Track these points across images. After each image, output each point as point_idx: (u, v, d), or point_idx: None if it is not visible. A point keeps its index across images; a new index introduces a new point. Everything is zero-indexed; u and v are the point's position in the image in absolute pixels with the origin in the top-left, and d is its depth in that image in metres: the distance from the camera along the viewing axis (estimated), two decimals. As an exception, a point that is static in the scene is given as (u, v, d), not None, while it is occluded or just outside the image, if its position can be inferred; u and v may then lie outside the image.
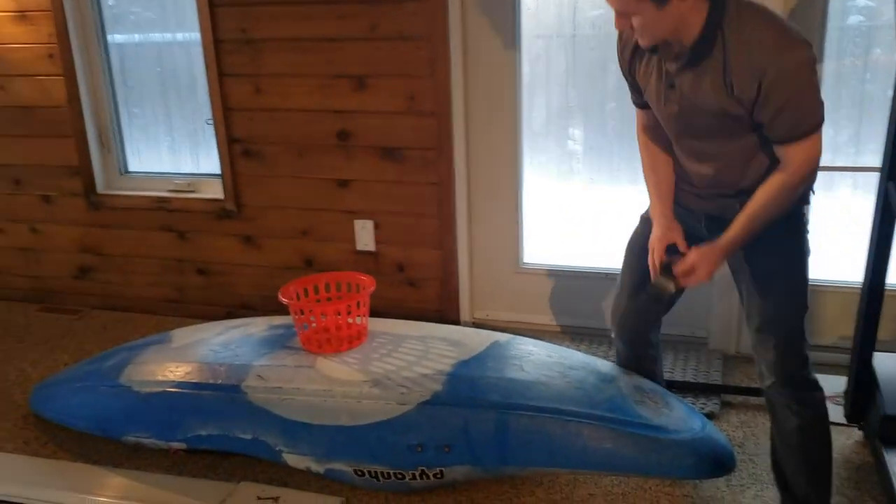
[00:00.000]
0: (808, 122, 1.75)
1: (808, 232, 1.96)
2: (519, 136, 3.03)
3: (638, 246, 2.17)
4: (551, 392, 2.18)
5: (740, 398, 2.72)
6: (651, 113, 2.02)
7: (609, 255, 3.08)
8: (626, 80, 2.04)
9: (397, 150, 3.08)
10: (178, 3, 3.27)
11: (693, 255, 1.93)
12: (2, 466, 2.49)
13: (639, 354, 2.34)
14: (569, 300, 3.17)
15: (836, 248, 2.82)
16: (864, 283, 2.31)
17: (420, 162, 3.07)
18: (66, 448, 2.58)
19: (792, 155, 1.79)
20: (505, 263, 3.21)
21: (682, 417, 2.18)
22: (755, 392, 2.71)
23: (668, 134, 2.01)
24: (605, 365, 2.37)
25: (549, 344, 2.54)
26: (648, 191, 2.12)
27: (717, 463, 2.12)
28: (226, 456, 2.45)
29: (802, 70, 1.70)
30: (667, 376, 2.81)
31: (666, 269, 2.00)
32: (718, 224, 1.95)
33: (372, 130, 3.08)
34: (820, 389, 1.97)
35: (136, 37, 3.42)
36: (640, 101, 2.04)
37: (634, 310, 2.22)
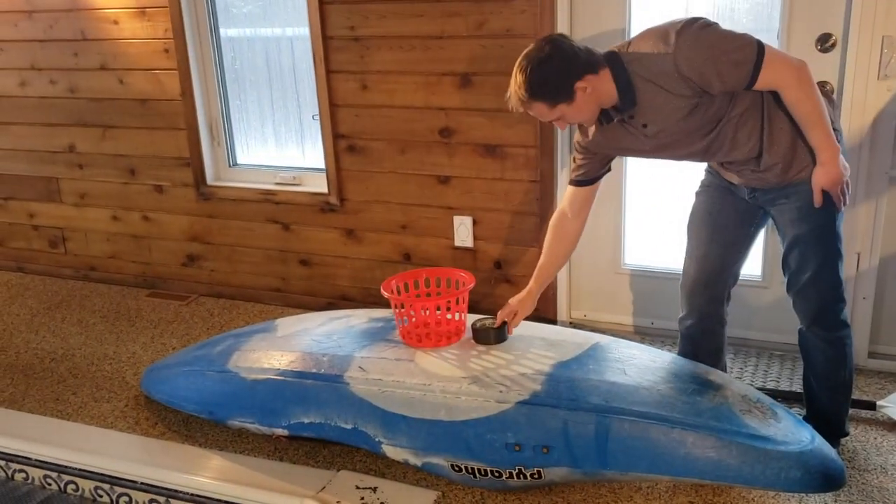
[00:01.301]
0: (746, 52, 1.97)
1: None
2: (623, 136, 2.98)
3: (699, 217, 2.39)
4: (654, 397, 2.14)
5: (850, 411, 2.61)
6: (589, 189, 2.35)
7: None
8: (586, 159, 2.30)
9: (499, 148, 3.08)
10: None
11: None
12: (113, 444, 2.61)
13: (706, 330, 2.44)
14: (670, 303, 3.10)
15: None
16: None
17: (521, 160, 3.06)
18: (174, 429, 2.68)
19: (770, 78, 1.98)
20: (605, 264, 3.17)
21: (791, 429, 2.11)
22: (866, 405, 2.60)
23: (671, 159, 2.26)
24: (710, 372, 2.32)
25: (651, 348, 2.49)
26: (542, 258, 2.46)
27: (826, 477, 2.03)
28: (326, 444, 2.51)
29: (693, 37, 1.96)
30: (772, 385, 2.73)
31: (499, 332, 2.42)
32: (760, 193, 2.22)
33: (474, 128, 3.09)
34: (848, 327, 2.25)
35: (247, 31, 3.52)
36: (590, 176, 2.33)
37: (706, 280, 2.38)
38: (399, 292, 2.57)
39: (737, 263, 2.39)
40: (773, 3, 2.67)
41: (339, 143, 3.32)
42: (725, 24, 2.71)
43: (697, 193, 2.41)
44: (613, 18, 2.86)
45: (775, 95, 2.06)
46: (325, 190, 3.43)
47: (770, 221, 2.33)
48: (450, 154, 3.16)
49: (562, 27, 2.86)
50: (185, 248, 3.81)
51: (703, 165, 2.38)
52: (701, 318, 2.42)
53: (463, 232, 3.25)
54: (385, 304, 2.55)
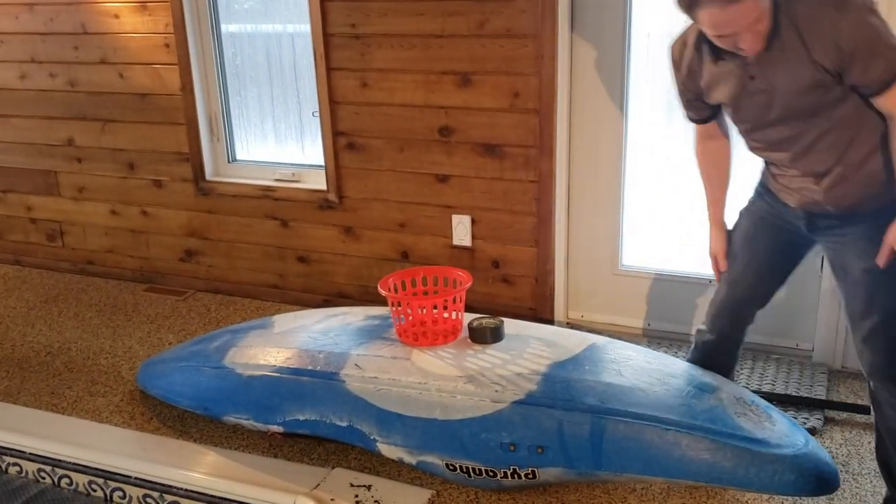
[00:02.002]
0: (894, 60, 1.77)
1: None
2: (623, 135, 2.99)
3: (741, 239, 2.23)
4: (650, 399, 2.14)
5: (845, 414, 2.62)
6: (710, 126, 2.16)
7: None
8: (685, 96, 2.12)
9: (498, 147, 3.08)
10: (290, -4, 3.35)
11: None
12: (108, 439, 2.60)
13: (723, 349, 2.36)
14: (667, 305, 3.11)
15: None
16: None
17: (521, 159, 3.06)
18: (169, 425, 2.68)
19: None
20: (603, 264, 3.17)
21: (785, 432, 2.11)
22: (860, 409, 2.61)
23: (742, 129, 2.04)
24: (705, 374, 2.32)
25: (647, 349, 2.50)
26: (707, 197, 2.29)
27: (820, 481, 2.04)
28: (321, 442, 2.51)
29: (865, 15, 1.74)
30: (768, 388, 2.73)
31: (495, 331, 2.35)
32: (818, 220, 2.01)
33: (474, 127, 3.09)
34: None
35: (247, 27, 3.52)
36: (703, 115, 2.15)
37: (737, 304, 2.27)
38: (396, 290, 2.57)
39: (769, 294, 2.25)
40: None
41: (339, 140, 3.32)
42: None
43: (742, 213, 2.25)
44: (614, 17, 2.86)
45: (871, 121, 1.87)
46: (324, 187, 3.42)
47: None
48: (449, 153, 3.16)
49: (562, 26, 2.86)
50: (183, 244, 3.81)
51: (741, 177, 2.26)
52: (720, 338, 2.33)
53: (461, 231, 3.25)
54: (382, 302, 2.55)
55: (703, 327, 2.38)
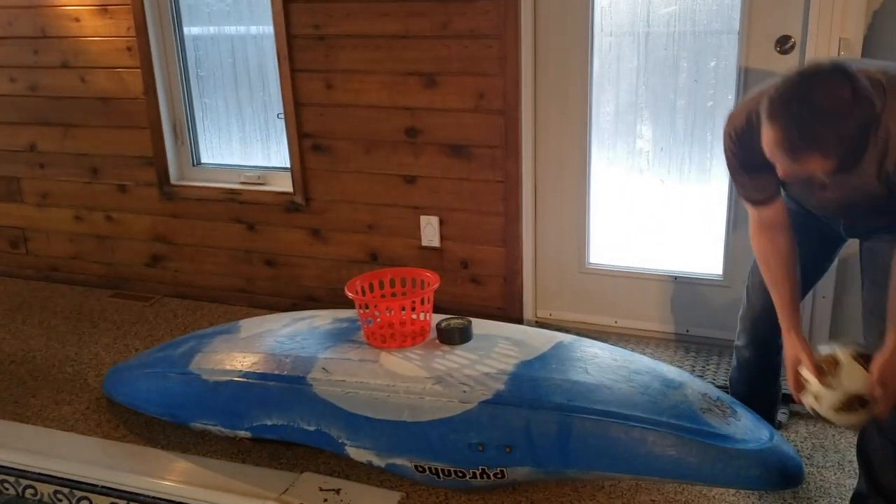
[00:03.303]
0: None
1: None
2: (588, 135, 3.00)
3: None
4: (616, 396, 2.16)
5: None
6: (772, 210, 1.93)
7: (677, 258, 3.05)
8: (748, 171, 1.91)
9: (465, 148, 3.08)
10: (253, -2, 3.33)
11: (876, 366, 1.73)
12: (73, 447, 2.57)
13: (765, 362, 2.32)
14: (635, 302, 3.13)
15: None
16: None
17: (487, 159, 3.06)
18: (136, 432, 2.65)
19: None
20: (570, 263, 3.19)
21: (750, 427, 2.14)
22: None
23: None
24: (671, 370, 2.34)
25: (613, 347, 2.51)
26: (776, 299, 1.99)
27: (785, 475, 2.06)
28: (289, 446, 2.49)
29: None
30: (734, 383, 2.76)
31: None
32: (858, 224, 1.92)
33: (440, 128, 3.09)
34: None
35: (211, 29, 3.49)
36: (765, 195, 1.93)
37: (771, 315, 2.07)
38: (364, 293, 2.56)
39: (803, 294, 2.13)
40: (732, 5, 2.69)
41: (305, 142, 3.31)
42: (686, 26, 2.77)
43: None
44: (577, 17, 2.88)
45: None
46: (290, 189, 3.41)
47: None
48: (416, 154, 3.16)
49: (525, 27, 2.87)
50: (148, 249, 3.77)
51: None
52: (759, 348, 2.30)
53: (430, 232, 3.25)
54: (351, 304, 2.54)
55: (739, 343, 2.32)
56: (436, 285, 2.51)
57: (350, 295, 2.47)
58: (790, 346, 1.95)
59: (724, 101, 2.80)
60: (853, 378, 1.79)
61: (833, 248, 2.16)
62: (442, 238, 3.25)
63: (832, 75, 1.58)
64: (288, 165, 3.38)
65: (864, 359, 1.79)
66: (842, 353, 1.81)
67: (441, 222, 3.22)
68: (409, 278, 2.63)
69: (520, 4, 2.84)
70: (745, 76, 2.72)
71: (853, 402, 1.79)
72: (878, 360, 1.75)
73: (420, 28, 2.97)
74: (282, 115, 3.31)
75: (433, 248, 3.27)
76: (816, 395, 1.84)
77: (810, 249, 2.07)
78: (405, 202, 3.25)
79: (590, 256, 3.16)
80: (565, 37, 2.91)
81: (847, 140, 1.57)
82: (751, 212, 1.99)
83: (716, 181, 2.92)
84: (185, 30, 3.49)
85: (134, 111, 3.54)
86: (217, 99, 3.57)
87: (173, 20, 3.46)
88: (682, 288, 3.05)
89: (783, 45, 2.65)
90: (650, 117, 2.96)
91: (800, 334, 1.94)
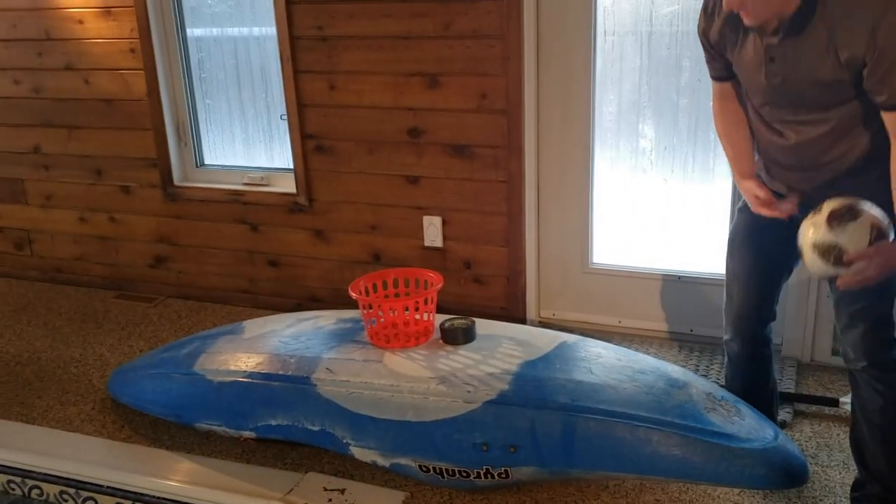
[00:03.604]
0: None
1: None
2: (591, 134, 3.01)
3: (741, 237, 2.21)
4: (620, 396, 2.16)
5: (814, 408, 2.66)
6: (728, 86, 2.08)
7: (680, 257, 3.05)
8: (709, 52, 2.06)
9: (467, 148, 3.08)
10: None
11: (872, 249, 1.76)
12: (79, 448, 2.58)
13: (754, 354, 2.32)
14: (638, 302, 3.13)
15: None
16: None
17: (490, 159, 3.06)
18: (141, 432, 2.66)
19: None
20: (573, 262, 3.19)
21: (754, 426, 2.14)
22: (829, 402, 2.64)
23: (753, 103, 2.01)
24: (675, 370, 2.34)
25: (617, 346, 2.51)
26: (728, 156, 2.17)
27: (790, 474, 2.06)
28: (294, 446, 2.50)
29: None
30: (737, 383, 2.76)
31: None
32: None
33: (443, 128, 3.09)
34: None
35: (214, 31, 3.50)
36: (720, 75, 2.08)
37: (752, 305, 2.23)
38: (367, 293, 2.56)
39: (781, 284, 2.25)
40: (736, 5, 2.69)
41: (308, 143, 3.31)
42: (689, 25, 2.76)
43: (740, 210, 2.23)
44: (580, 17, 2.88)
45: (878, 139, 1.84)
46: (293, 190, 3.41)
47: None
48: (419, 154, 3.16)
49: (528, 27, 2.87)
50: (152, 250, 3.78)
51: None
52: (746, 342, 2.30)
53: (432, 232, 3.25)
54: (355, 305, 2.55)
55: (727, 336, 2.34)
56: (439, 285, 2.52)
57: (353, 295, 2.48)
58: (746, 190, 2.10)
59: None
60: (855, 236, 1.78)
61: (795, 242, 2.08)
62: (445, 238, 3.25)
63: None
64: (291, 166, 3.39)
65: (876, 232, 1.79)
66: (866, 214, 1.80)
67: (444, 222, 3.23)
68: (413, 278, 2.63)
69: (522, 4, 2.84)
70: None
71: (833, 253, 1.79)
72: (873, 252, 1.75)
73: (422, 29, 2.98)
74: (285, 117, 3.31)
75: (436, 249, 3.27)
76: (815, 224, 1.83)
77: (778, 244, 2.11)
78: (408, 202, 3.25)
79: (593, 256, 3.17)
80: (568, 36, 2.91)
81: None
82: (713, 87, 2.15)
83: (719, 180, 2.93)
84: (188, 31, 3.50)
85: (137, 113, 3.55)
86: (220, 100, 3.58)
87: (176, 22, 3.46)
88: (686, 287, 3.05)
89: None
90: (653, 116, 2.96)
91: (755, 179, 2.10)
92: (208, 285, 3.73)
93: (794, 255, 2.08)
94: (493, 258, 3.20)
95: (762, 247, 2.18)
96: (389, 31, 3.03)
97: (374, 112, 3.17)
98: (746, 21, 1.80)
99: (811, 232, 1.83)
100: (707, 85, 2.78)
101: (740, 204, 2.23)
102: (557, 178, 3.09)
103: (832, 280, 1.98)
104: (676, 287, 3.05)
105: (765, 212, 2.06)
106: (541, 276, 3.24)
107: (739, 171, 2.14)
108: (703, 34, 2.04)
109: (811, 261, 1.85)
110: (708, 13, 2.00)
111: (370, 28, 3.05)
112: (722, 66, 2.06)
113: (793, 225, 2.02)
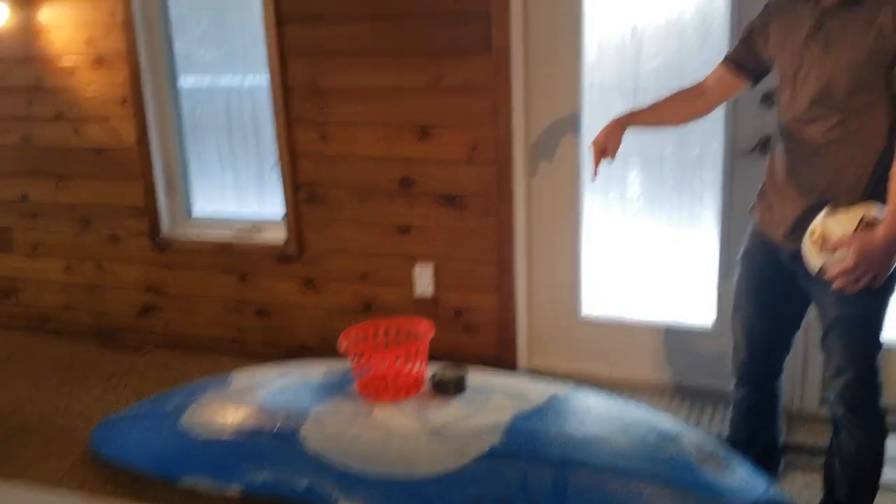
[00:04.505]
0: None
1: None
2: (579, 183, 3.03)
3: (745, 288, 2.21)
4: (612, 448, 2.14)
5: (805, 459, 2.64)
6: (723, 76, 2.17)
7: (670, 307, 3.05)
8: (743, 46, 2.13)
9: (459, 197, 3.10)
10: (247, 47, 3.36)
11: (851, 237, 1.80)
12: (62, 504, 2.54)
13: (760, 404, 2.32)
14: (628, 352, 3.13)
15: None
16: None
17: (480, 209, 3.08)
18: (125, 487, 2.61)
19: None
20: (564, 312, 3.18)
21: (746, 478, 2.13)
22: (821, 452, 2.62)
23: (784, 84, 1.99)
24: (666, 421, 2.33)
25: (609, 397, 2.50)
26: (643, 106, 2.24)
27: (783, 528, 2.05)
28: (282, 503, 2.46)
29: None
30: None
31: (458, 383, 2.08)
32: (802, 260, 1.94)
33: (434, 178, 3.11)
34: (884, 419, 2.04)
35: (206, 80, 3.52)
36: (737, 58, 2.14)
37: (758, 357, 2.25)
38: (358, 343, 2.55)
39: (790, 336, 2.25)
40: (717, 60, 2.72)
41: (299, 192, 3.32)
42: (673, 80, 2.80)
43: (740, 260, 2.24)
44: (567, 70, 2.92)
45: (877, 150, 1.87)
46: (283, 239, 3.41)
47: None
48: (410, 204, 3.18)
49: (517, 80, 2.91)
50: (140, 299, 3.76)
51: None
52: (754, 390, 2.31)
53: (423, 281, 3.25)
54: (344, 355, 2.53)
55: (733, 382, 2.34)
56: (430, 336, 2.51)
57: (343, 346, 2.46)
58: (610, 131, 2.23)
59: (711, 150, 2.83)
60: (844, 221, 1.83)
61: (800, 292, 2.12)
62: (436, 287, 3.25)
63: None
64: (282, 215, 3.39)
65: (864, 223, 1.82)
66: (861, 205, 1.85)
67: (435, 271, 3.23)
68: (405, 328, 2.62)
69: (510, 60, 2.88)
70: (734, 125, 2.76)
71: (815, 241, 1.85)
72: (852, 240, 1.79)
73: (414, 82, 3.01)
74: (276, 166, 3.32)
75: (427, 298, 3.27)
76: (826, 213, 1.87)
77: (781, 294, 2.14)
78: (399, 251, 3.26)
79: (583, 305, 3.16)
80: (556, 90, 2.95)
81: None
82: (716, 69, 2.21)
83: (706, 229, 2.94)
84: (182, 80, 3.52)
85: (126, 161, 3.56)
86: (211, 149, 3.59)
87: (168, 71, 3.49)
88: (676, 337, 3.05)
89: (767, 100, 2.68)
90: (640, 164, 2.98)
91: (623, 129, 2.22)
92: (196, 335, 3.70)
93: (800, 301, 2.12)
94: (484, 306, 3.20)
95: (767, 298, 2.18)
96: (382, 84, 3.06)
97: (365, 162, 3.19)
98: None
99: (818, 223, 1.88)
100: (690, 132, 2.83)
101: (740, 254, 2.23)
102: (547, 227, 3.11)
103: (824, 327, 2.01)
104: (666, 337, 3.05)
105: (594, 150, 2.22)
106: (532, 325, 3.24)
107: (632, 116, 2.23)
108: (752, 30, 2.10)
109: (805, 247, 1.90)
110: (766, 10, 2.08)
111: (363, 80, 3.08)
112: (749, 59, 2.12)
113: (796, 273, 2.04)
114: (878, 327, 2.00)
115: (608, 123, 2.23)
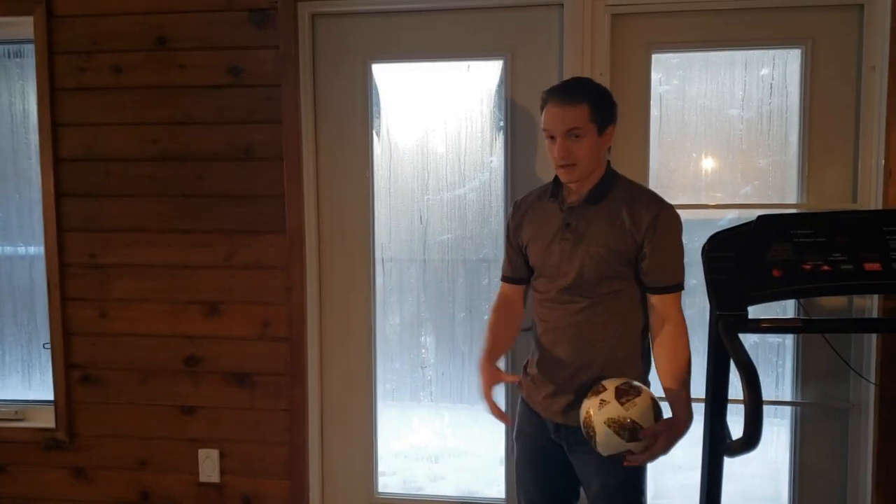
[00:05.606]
0: (680, 274, 2.09)
1: None
2: (373, 361, 3.04)
3: (522, 463, 2.30)
4: None
5: None
6: (515, 290, 2.32)
7: (463, 482, 3.05)
8: (511, 249, 2.32)
9: (248, 376, 3.00)
10: (24, 218, 3.18)
11: (661, 425, 1.98)
12: None
13: None
14: (424, 531, 3.06)
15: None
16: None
17: (272, 388, 2.99)
18: None
19: (672, 306, 2.06)
20: (358, 493, 3.09)
21: None
22: None
23: (545, 290, 2.18)
24: None
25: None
26: (486, 342, 2.26)
27: None
28: None
29: (678, 223, 2.09)
30: None
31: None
32: (565, 431, 2.13)
33: (223, 356, 3.00)
34: None
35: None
36: (516, 276, 2.32)
37: None
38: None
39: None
40: (499, 234, 2.92)
41: (73, 372, 3.08)
42: (458, 255, 2.93)
43: (516, 438, 2.34)
44: (361, 247, 2.99)
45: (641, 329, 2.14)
46: (52, 425, 3.11)
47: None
48: (196, 383, 3.03)
49: (311, 258, 2.94)
50: None
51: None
52: None
53: (209, 466, 3.06)
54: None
55: None
56: (215, 529, 2.34)
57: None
58: (485, 374, 2.17)
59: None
60: (644, 411, 1.93)
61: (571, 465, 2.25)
62: (222, 472, 3.06)
63: None
64: (51, 398, 3.11)
65: (655, 406, 1.97)
66: (643, 389, 1.98)
67: (221, 455, 3.05)
68: (186, 522, 2.43)
69: (305, 238, 2.92)
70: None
71: (626, 429, 1.92)
72: (663, 428, 1.98)
73: (204, 259, 2.96)
74: (48, 345, 3.08)
75: (213, 484, 3.07)
76: (604, 401, 1.94)
77: (556, 468, 2.25)
78: (182, 435, 3.06)
79: (378, 485, 3.10)
80: (348, 265, 3.00)
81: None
82: (502, 288, 2.37)
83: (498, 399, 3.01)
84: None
85: None
86: (-26, 325, 3.29)
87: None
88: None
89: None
90: (433, 329, 3.05)
91: (494, 366, 2.18)
92: (-61, 539, 3.22)
93: (573, 471, 2.21)
94: (275, 492, 3.04)
95: (542, 470, 2.27)
96: (169, 261, 2.98)
97: (148, 340, 3.03)
98: (570, 177, 2.09)
99: (601, 409, 1.94)
100: (481, 300, 2.97)
101: (514, 433, 2.33)
102: (341, 407, 3.06)
103: (590, 498, 2.13)
104: (462, 514, 3.04)
105: (486, 400, 2.16)
106: (325, 508, 3.11)
107: (489, 358, 2.23)
108: (513, 226, 2.30)
109: (606, 437, 1.95)
110: (518, 207, 2.30)
111: (148, 257, 2.99)
112: (520, 265, 2.29)
113: (563, 445, 2.18)
114: (641, 492, 2.13)
115: (480, 371, 2.21)
